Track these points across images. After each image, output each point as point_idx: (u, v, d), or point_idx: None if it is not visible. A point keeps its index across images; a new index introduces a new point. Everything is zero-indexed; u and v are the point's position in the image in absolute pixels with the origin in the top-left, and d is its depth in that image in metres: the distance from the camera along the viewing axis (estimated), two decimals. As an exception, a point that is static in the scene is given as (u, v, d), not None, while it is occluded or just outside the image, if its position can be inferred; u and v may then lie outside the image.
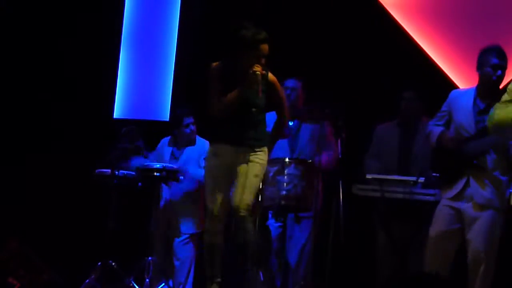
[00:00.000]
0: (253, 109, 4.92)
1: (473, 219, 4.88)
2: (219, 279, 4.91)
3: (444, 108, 5.14)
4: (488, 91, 4.93)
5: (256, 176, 4.93)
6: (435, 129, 5.12)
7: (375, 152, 6.07)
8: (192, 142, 6.37)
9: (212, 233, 4.94)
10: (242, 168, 4.91)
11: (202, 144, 6.25)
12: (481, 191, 4.86)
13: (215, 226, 4.94)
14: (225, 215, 4.98)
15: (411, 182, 5.52)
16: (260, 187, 5.23)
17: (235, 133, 4.93)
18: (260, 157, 4.96)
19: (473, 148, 4.87)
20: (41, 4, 7.51)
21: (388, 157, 5.96)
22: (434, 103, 5.31)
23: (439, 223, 4.98)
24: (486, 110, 4.83)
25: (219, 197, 4.93)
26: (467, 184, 4.91)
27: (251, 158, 4.92)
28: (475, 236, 4.85)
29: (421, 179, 5.47)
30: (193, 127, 6.33)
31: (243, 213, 4.86)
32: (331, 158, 5.88)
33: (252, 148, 4.93)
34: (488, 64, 4.92)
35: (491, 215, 4.86)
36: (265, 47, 4.88)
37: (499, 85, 4.93)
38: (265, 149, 5.00)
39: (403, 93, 6.04)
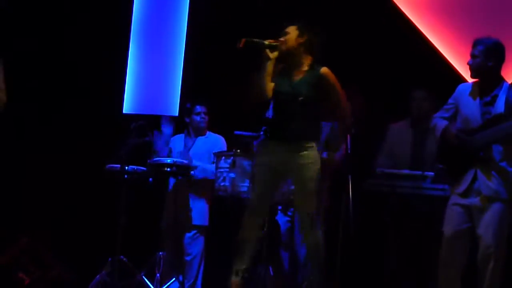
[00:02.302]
0: (300, 98, 4.89)
1: (482, 212, 4.86)
2: (245, 274, 4.89)
3: (450, 101, 5.13)
4: (478, 79, 4.95)
5: (311, 180, 4.91)
6: (440, 122, 5.11)
7: (388, 151, 6.07)
8: (202, 131, 6.39)
9: (247, 228, 4.89)
10: (296, 174, 4.91)
11: (215, 139, 6.28)
12: (488, 183, 4.85)
13: (252, 220, 4.90)
14: (265, 211, 4.98)
15: (421, 177, 5.53)
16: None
17: (281, 126, 4.93)
18: (311, 156, 4.92)
19: (479, 140, 4.86)
20: (49, 0, 7.52)
21: (400, 157, 5.94)
22: (446, 98, 5.31)
23: (450, 223, 4.96)
24: (491, 102, 4.88)
25: (262, 191, 4.91)
26: (475, 178, 4.89)
27: (303, 160, 4.90)
28: (485, 230, 4.82)
29: (430, 174, 5.48)
30: (204, 116, 6.36)
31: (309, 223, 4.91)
32: (342, 155, 5.88)
33: (300, 144, 4.90)
34: None
35: (499, 207, 4.83)
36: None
37: (473, 71, 4.93)
38: (313, 144, 4.95)
39: (413, 93, 6.04)
